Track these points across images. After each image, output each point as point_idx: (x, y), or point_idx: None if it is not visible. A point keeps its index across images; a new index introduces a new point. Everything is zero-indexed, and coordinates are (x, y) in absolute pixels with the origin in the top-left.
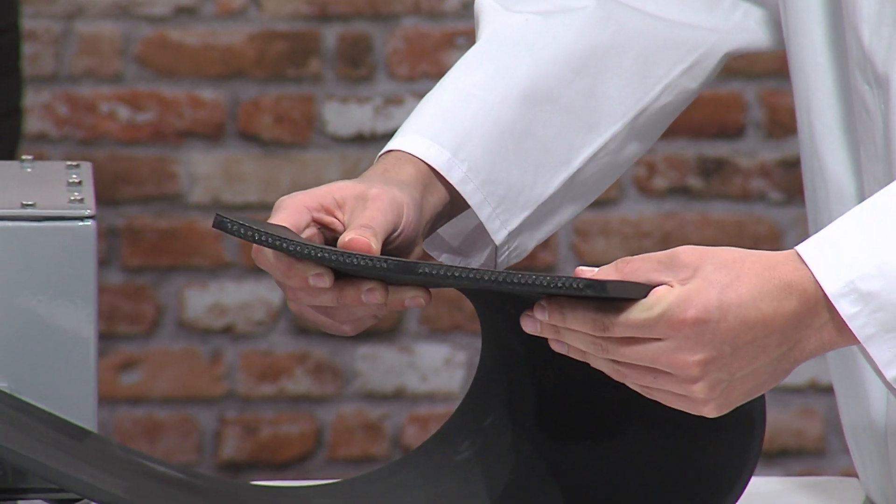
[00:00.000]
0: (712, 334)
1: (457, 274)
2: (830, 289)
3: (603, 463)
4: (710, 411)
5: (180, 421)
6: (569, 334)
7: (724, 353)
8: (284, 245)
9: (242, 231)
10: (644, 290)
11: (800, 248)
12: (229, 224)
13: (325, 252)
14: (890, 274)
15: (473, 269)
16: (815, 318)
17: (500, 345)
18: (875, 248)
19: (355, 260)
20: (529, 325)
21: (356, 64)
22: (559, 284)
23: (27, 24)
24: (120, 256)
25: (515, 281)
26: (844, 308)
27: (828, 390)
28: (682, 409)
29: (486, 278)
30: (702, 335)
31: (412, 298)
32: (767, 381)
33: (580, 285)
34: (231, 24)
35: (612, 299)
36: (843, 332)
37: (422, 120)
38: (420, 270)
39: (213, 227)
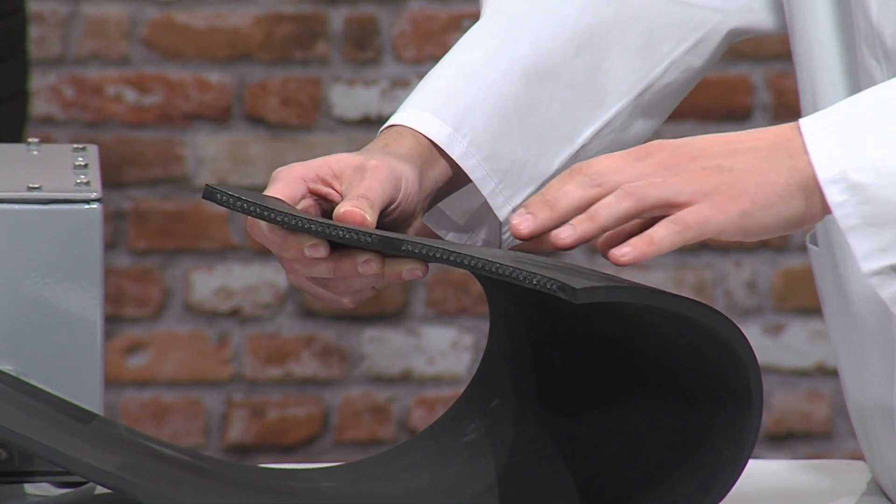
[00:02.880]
0: (671, 143)
1: (437, 255)
2: (823, 174)
3: (608, 443)
4: (710, 203)
5: (187, 404)
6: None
7: (688, 142)
8: (272, 215)
9: (231, 202)
10: (617, 292)
11: (803, 122)
12: (219, 195)
13: (311, 223)
14: (883, 170)
15: (454, 250)
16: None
17: (507, 326)
18: (874, 140)
19: (340, 232)
20: (524, 227)
21: (363, 46)
22: (534, 282)
23: (34, 6)
24: (126, 239)
25: (493, 270)
26: (833, 195)
27: (835, 373)
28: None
29: (466, 262)
30: (665, 142)
31: (409, 270)
32: (764, 173)
33: (553, 287)
34: (237, 6)
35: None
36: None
37: (424, 95)
38: (403, 247)
39: (203, 197)
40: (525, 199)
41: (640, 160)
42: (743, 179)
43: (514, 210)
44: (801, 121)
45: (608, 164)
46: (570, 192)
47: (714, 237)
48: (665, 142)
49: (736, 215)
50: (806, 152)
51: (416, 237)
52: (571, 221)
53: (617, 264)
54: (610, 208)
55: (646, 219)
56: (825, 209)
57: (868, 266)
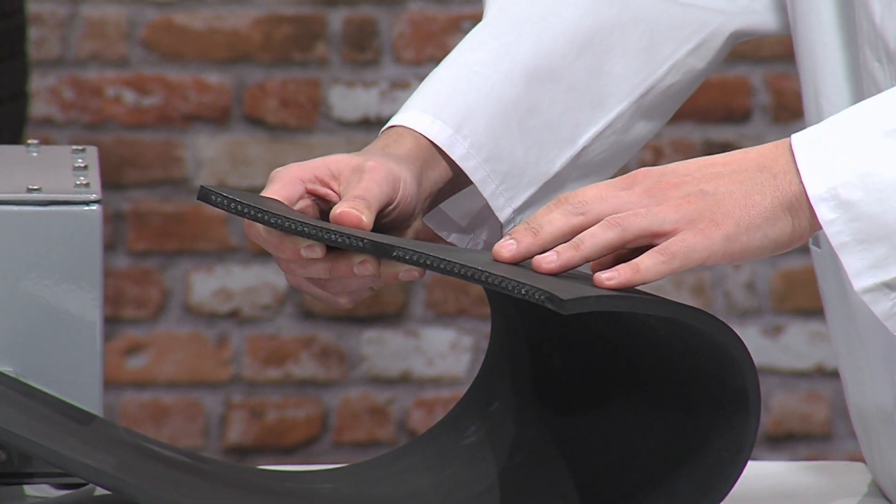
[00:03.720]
0: (661, 168)
1: (428, 262)
2: (813, 192)
3: (608, 444)
4: (704, 226)
5: (186, 405)
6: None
7: (672, 168)
8: (265, 217)
9: (225, 203)
10: (606, 301)
11: (795, 140)
12: (213, 196)
13: (304, 226)
14: (871, 185)
15: (445, 258)
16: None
17: (508, 327)
18: (860, 155)
19: (333, 236)
20: (506, 251)
21: (362, 48)
22: (522, 292)
23: (33, 7)
24: (126, 241)
25: (483, 279)
26: (824, 213)
27: (834, 375)
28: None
29: (456, 271)
30: (649, 170)
31: (406, 272)
32: (748, 194)
33: (541, 297)
34: (237, 7)
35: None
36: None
37: (425, 96)
38: (394, 253)
39: (198, 199)
40: (526, 201)
41: (624, 189)
42: (726, 203)
43: (515, 211)
44: (793, 137)
45: (593, 194)
46: (554, 220)
47: (702, 264)
48: (649, 170)
49: (720, 240)
50: (791, 171)
51: (408, 242)
52: (557, 249)
53: (602, 287)
54: (594, 238)
55: (632, 248)
56: (813, 227)
57: (860, 284)
